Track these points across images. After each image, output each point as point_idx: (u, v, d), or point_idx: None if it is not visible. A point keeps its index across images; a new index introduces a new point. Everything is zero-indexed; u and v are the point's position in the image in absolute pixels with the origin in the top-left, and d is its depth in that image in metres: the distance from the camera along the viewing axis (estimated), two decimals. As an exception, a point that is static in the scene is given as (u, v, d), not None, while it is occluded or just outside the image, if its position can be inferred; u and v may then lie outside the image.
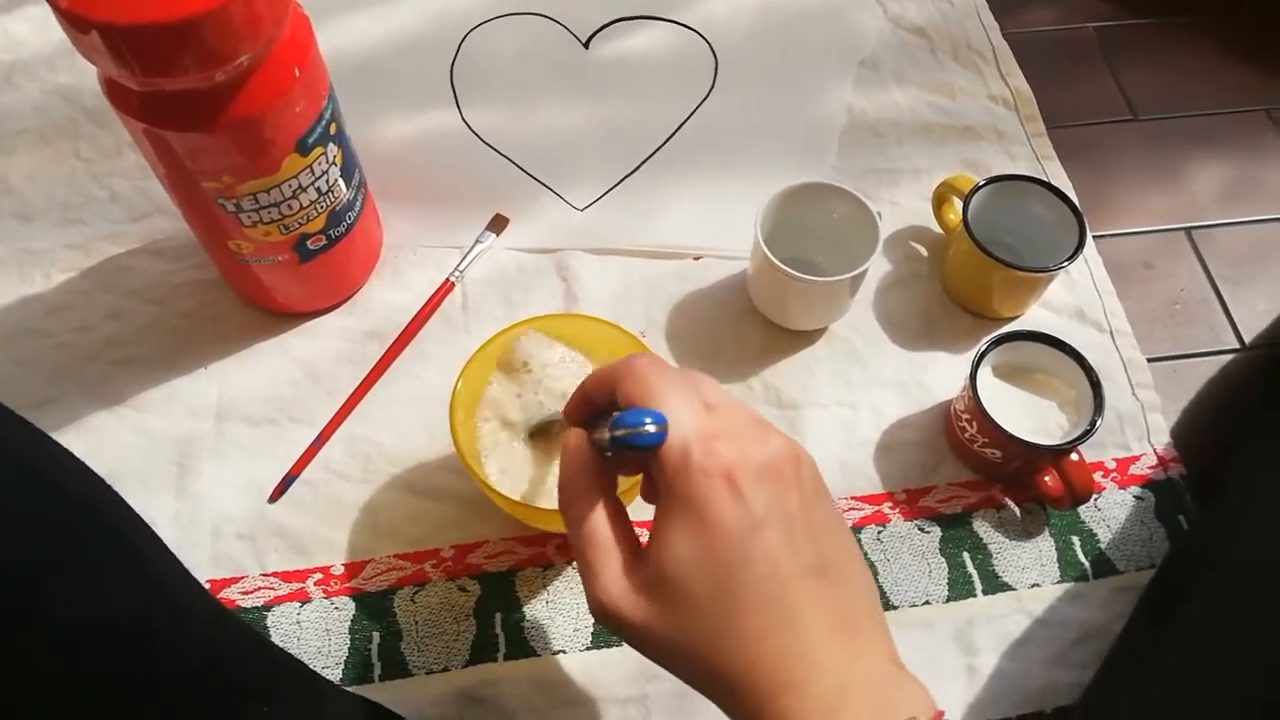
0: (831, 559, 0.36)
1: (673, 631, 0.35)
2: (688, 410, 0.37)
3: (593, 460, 0.40)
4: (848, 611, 0.36)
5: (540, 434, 0.59)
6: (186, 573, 0.45)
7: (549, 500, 0.59)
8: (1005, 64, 0.87)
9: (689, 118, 0.82)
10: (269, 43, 0.53)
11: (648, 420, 0.36)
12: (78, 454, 0.41)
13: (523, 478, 0.60)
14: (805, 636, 0.35)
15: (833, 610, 0.36)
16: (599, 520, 0.38)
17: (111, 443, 0.65)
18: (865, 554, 0.63)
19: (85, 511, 0.39)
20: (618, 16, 0.88)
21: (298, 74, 0.55)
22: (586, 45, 0.86)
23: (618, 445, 0.37)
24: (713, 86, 0.84)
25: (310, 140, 0.58)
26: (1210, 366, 0.72)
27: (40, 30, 0.85)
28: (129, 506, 0.42)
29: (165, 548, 0.44)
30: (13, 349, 0.68)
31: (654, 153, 0.80)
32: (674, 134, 0.81)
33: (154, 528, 0.43)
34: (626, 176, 0.79)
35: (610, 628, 0.37)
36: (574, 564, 0.62)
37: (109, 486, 0.41)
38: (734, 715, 0.36)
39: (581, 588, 0.60)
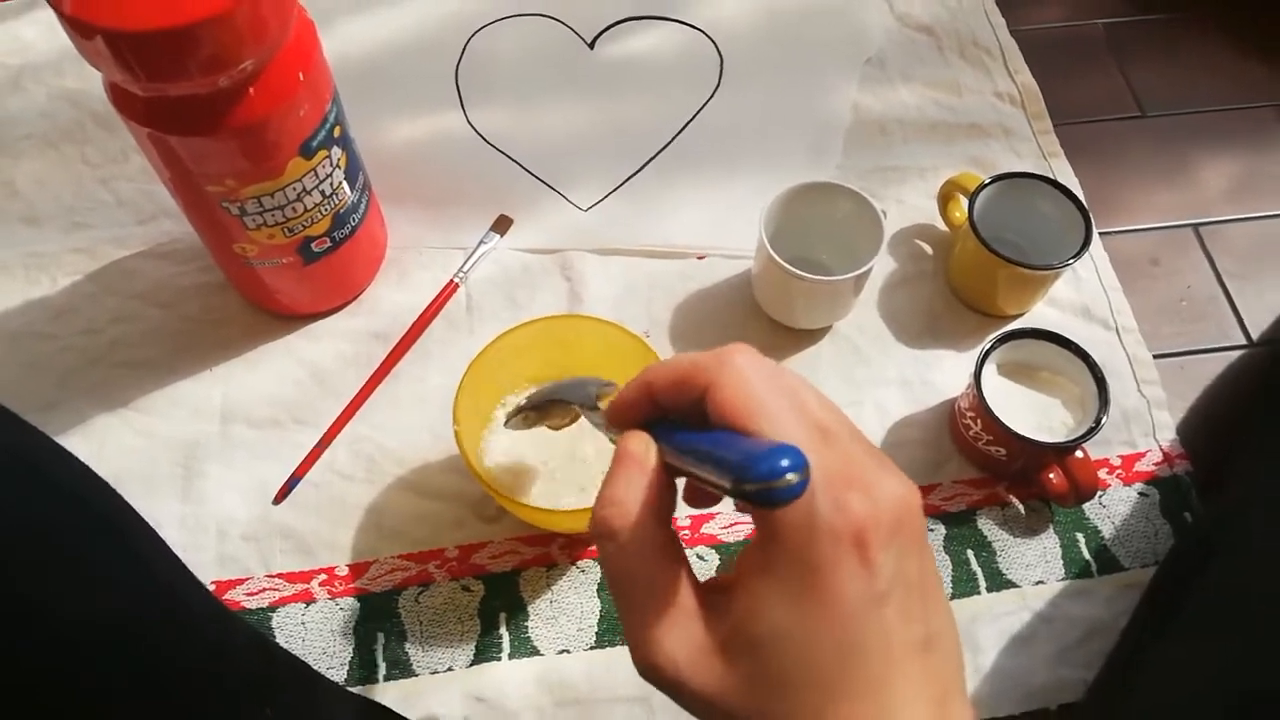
0: (935, 628, 0.31)
1: (747, 706, 0.29)
2: (808, 440, 0.29)
3: (661, 483, 0.31)
4: (945, 688, 0.31)
5: (534, 418, 0.53)
6: (189, 573, 0.45)
7: (550, 499, 0.60)
8: (1012, 61, 0.86)
9: (694, 117, 0.82)
10: (273, 47, 0.53)
11: (785, 465, 0.26)
12: (83, 457, 0.41)
13: (526, 477, 0.60)
14: None
15: (933, 691, 0.30)
16: (657, 557, 0.30)
17: (117, 445, 0.65)
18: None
19: (84, 511, 0.39)
20: (623, 17, 0.88)
21: (302, 78, 0.55)
22: (591, 45, 0.86)
23: (742, 497, 0.27)
24: (718, 86, 0.84)
25: (314, 144, 0.58)
26: (1217, 363, 0.72)
27: (47, 34, 0.85)
28: (130, 507, 0.43)
29: (167, 548, 0.44)
30: (19, 352, 0.69)
31: (658, 152, 0.80)
32: (678, 134, 0.81)
33: (159, 530, 0.43)
34: (631, 176, 0.79)
35: (662, 687, 0.30)
36: (578, 563, 0.62)
37: (110, 487, 0.41)
38: None
39: (585, 587, 0.60)
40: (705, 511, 0.64)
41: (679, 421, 0.32)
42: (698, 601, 0.30)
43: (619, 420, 0.34)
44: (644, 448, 0.32)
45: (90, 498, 0.40)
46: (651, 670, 0.30)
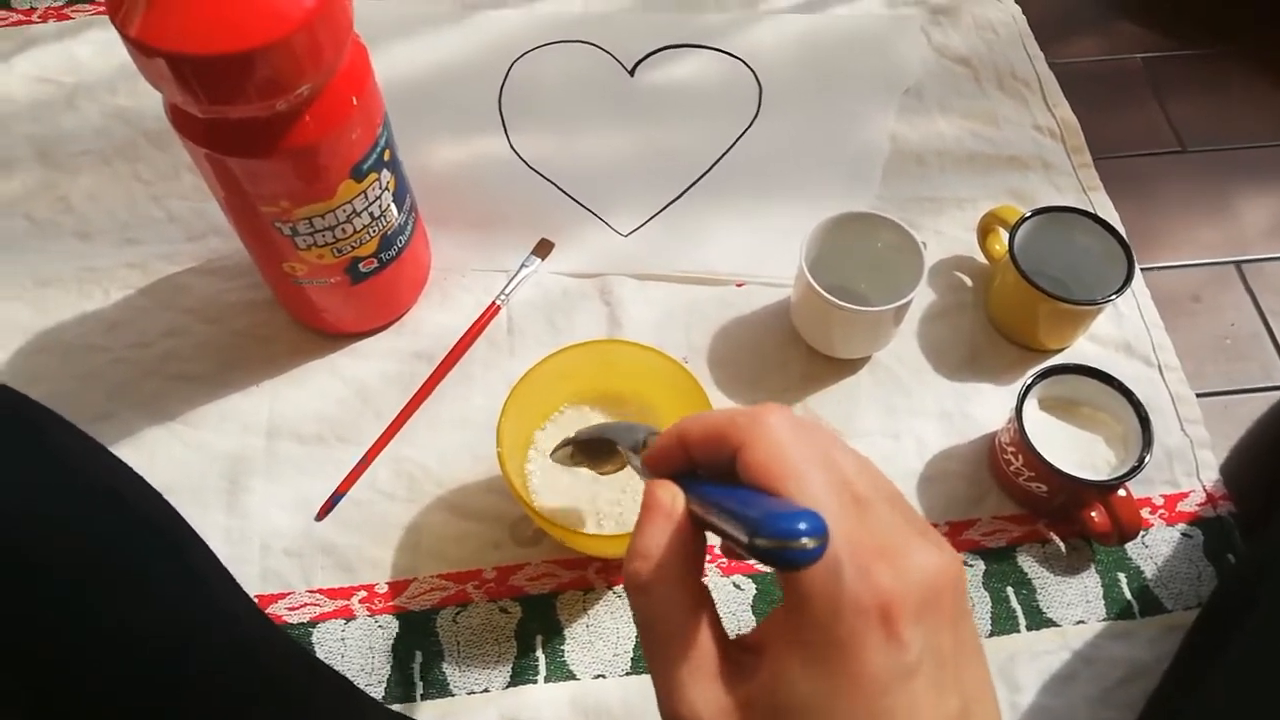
0: (972, 699, 0.30)
1: None
2: (837, 507, 0.29)
3: (688, 533, 0.31)
4: None
5: (579, 457, 0.54)
6: (236, 587, 0.46)
7: (591, 524, 0.60)
8: (1051, 94, 0.87)
9: (733, 145, 0.83)
10: (329, 73, 0.54)
11: (803, 528, 0.26)
12: (132, 468, 0.42)
13: (566, 502, 0.61)
14: None
15: None
16: (686, 610, 0.30)
17: (165, 458, 0.66)
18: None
19: (152, 533, 0.41)
20: (663, 45, 0.89)
21: (355, 102, 0.56)
22: (632, 73, 0.87)
23: (757, 554, 0.27)
24: (757, 114, 0.85)
25: (365, 166, 0.59)
26: (1262, 402, 0.71)
27: (102, 53, 0.87)
28: (183, 520, 0.44)
29: (218, 562, 0.46)
30: (72, 364, 0.70)
31: (698, 180, 0.81)
32: (718, 161, 0.82)
33: (204, 541, 0.45)
34: (671, 203, 0.79)
35: None
36: (615, 588, 0.62)
37: (173, 509, 0.43)
38: None
39: (621, 611, 0.61)
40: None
41: (709, 476, 0.32)
42: (724, 658, 0.30)
43: (654, 468, 0.34)
44: (670, 497, 0.31)
45: (156, 520, 0.42)
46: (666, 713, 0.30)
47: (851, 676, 0.28)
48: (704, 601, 0.31)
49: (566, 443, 0.53)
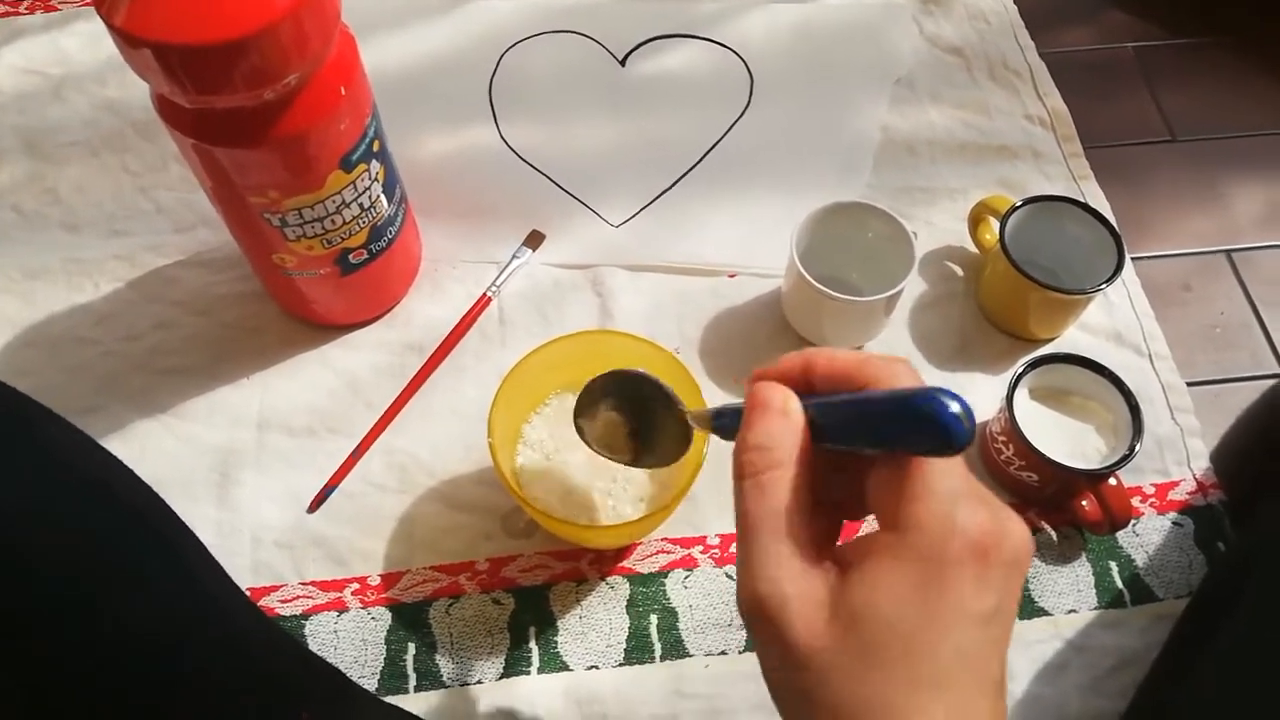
0: (1005, 674, 0.31)
1: (837, 663, 0.29)
2: (955, 463, 0.31)
3: (802, 431, 0.32)
4: None
5: (595, 431, 0.52)
6: (229, 580, 0.46)
7: (584, 515, 0.60)
8: (1042, 83, 0.87)
9: (724, 135, 0.83)
10: (316, 62, 0.54)
11: (957, 407, 0.28)
12: (124, 462, 0.42)
13: (558, 493, 0.61)
14: None
15: None
16: (792, 501, 0.31)
17: (155, 451, 0.66)
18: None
19: (143, 526, 0.41)
20: (654, 35, 0.89)
21: (343, 92, 0.56)
22: (623, 63, 0.87)
23: (905, 428, 0.29)
24: (748, 104, 0.85)
25: (354, 157, 0.59)
26: (1252, 391, 0.71)
27: (89, 45, 0.87)
28: (174, 513, 0.44)
29: (209, 555, 0.45)
30: (61, 357, 0.70)
31: (689, 170, 0.81)
32: (709, 151, 0.82)
33: (196, 535, 0.44)
34: (662, 193, 0.79)
35: (757, 620, 0.31)
36: (608, 579, 0.62)
37: (164, 503, 0.43)
38: None
39: (614, 603, 0.61)
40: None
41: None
42: (819, 556, 0.31)
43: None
44: (782, 397, 0.33)
45: (146, 513, 0.42)
46: (756, 601, 0.31)
47: (941, 604, 0.29)
48: (807, 503, 0.32)
49: (594, 396, 0.51)
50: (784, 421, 0.32)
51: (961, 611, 0.29)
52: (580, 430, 0.52)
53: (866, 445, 0.32)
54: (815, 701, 0.30)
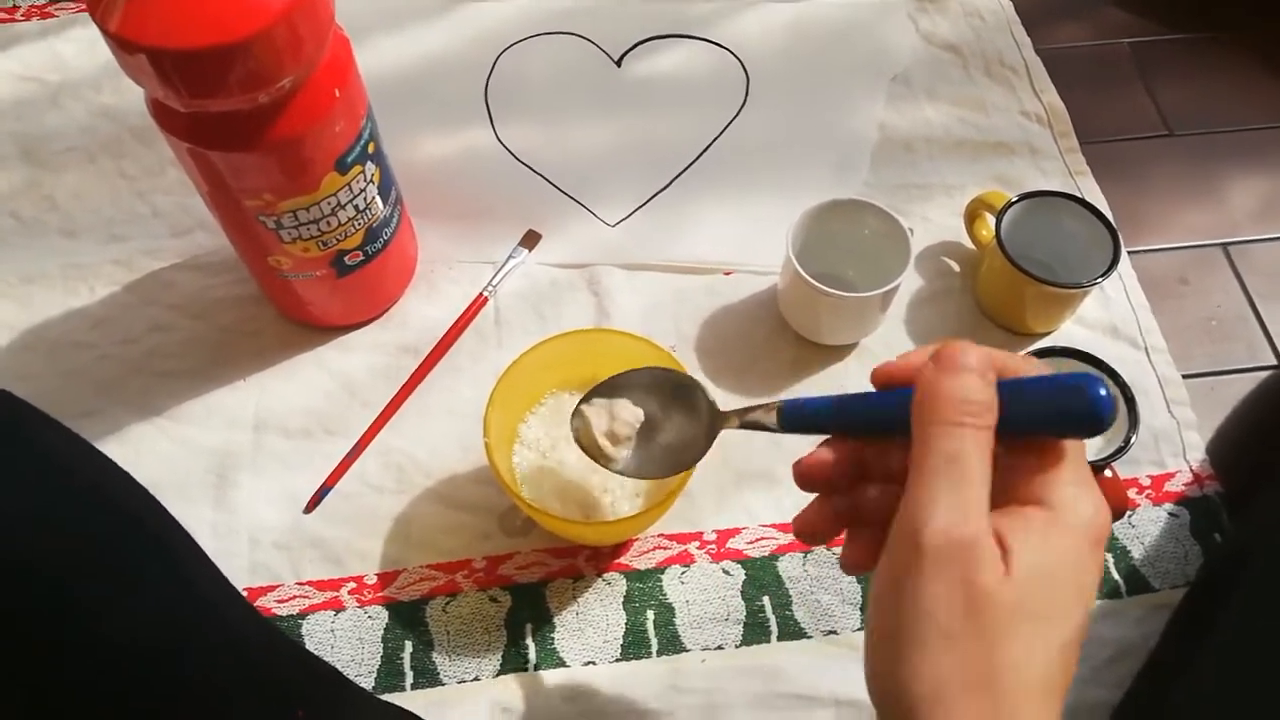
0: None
1: (1011, 613, 0.31)
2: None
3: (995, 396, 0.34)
4: None
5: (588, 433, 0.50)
6: (225, 581, 0.46)
7: (579, 512, 0.60)
8: (1038, 79, 0.87)
9: (720, 134, 0.83)
10: (310, 65, 0.54)
11: (1103, 388, 0.32)
12: (120, 465, 0.42)
13: (555, 490, 0.61)
14: None
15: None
16: (987, 453, 0.33)
17: (152, 453, 0.66)
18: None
19: (138, 530, 0.41)
20: (650, 35, 0.89)
21: (338, 95, 0.56)
22: (619, 63, 0.87)
23: (1065, 392, 0.32)
24: (744, 103, 0.85)
25: (349, 159, 0.59)
26: (1247, 383, 0.71)
27: (86, 51, 0.87)
28: (177, 523, 0.44)
29: (205, 557, 0.45)
30: (58, 361, 0.70)
31: (685, 169, 0.81)
32: (705, 150, 0.82)
33: (193, 537, 0.45)
34: (658, 193, 0.79)
35: (952, 563, 0.31)
36: (604, 575, 0.62)
37: (160, 505, 0.43)
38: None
39: (611, 599, 0.61)
40: (732, 527, 0.64)
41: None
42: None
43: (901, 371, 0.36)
44: (986, 363, 0.34)
45: (144, 516, 0.42)
46: (956, 541, 0.31)
47: (1086, 578, 0.33)
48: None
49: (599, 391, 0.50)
50: (989, 387, 0.33)
51: (1094, 587, 0.33)
52: (581, 417, 0.50)
53: (1017, 428, 0.33)
54: (988, 641, 0.31)
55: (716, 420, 0.45)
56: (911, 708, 0.31)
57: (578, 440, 0.50)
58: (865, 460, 0.38)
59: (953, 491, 0.32)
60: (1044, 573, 0.31)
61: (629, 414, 0.49)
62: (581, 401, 0.50)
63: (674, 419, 0.48)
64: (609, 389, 0.50)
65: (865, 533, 0.37)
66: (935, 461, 0.32)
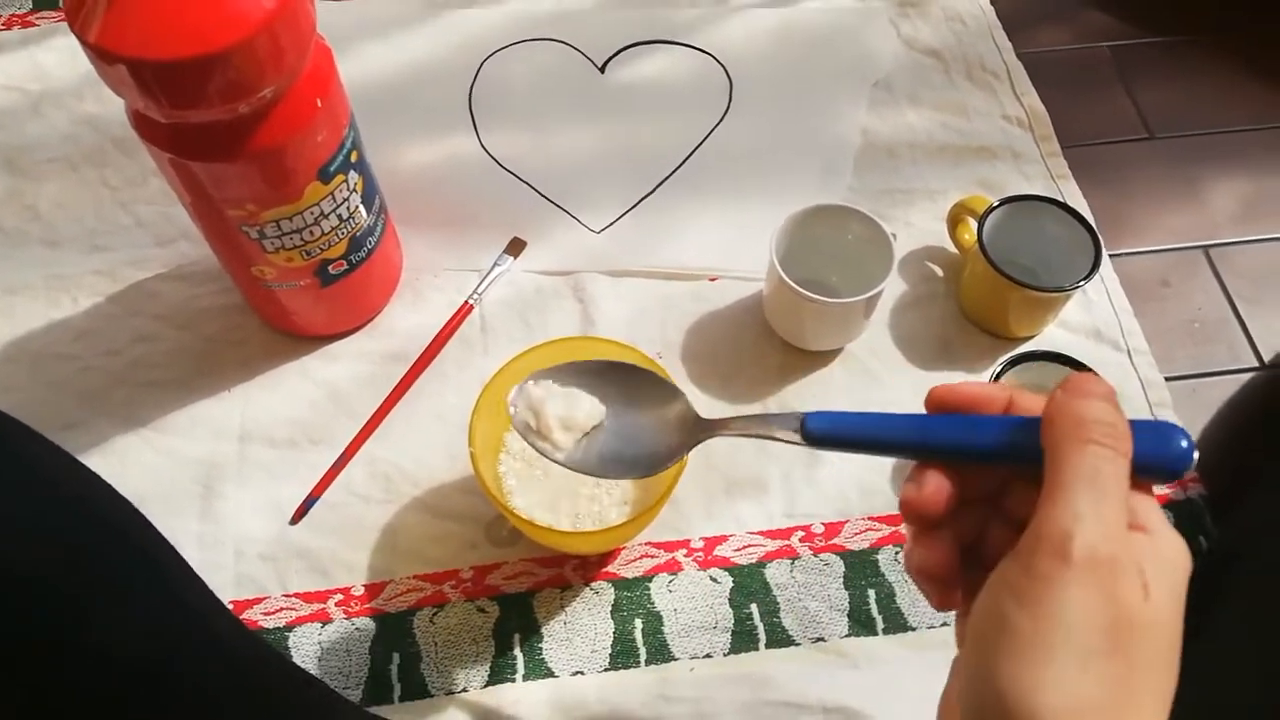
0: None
1: (1151, 630, 0.31)
2: None
3: None
4: None
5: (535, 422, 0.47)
6: (210, 594, 0.46)
7: (568, 521, 0.60)
8: (1019, 84, 0.87)
9: (704, 140, 0.83)
10: (292, 75, 0.54)
11: (1184, 443, 0.33)
12: (104, 476, 0.42)
13: (542, 500, 0.61)
14: None
15: None
16: (1125, 475, 0.33)
17: (137, 465, 0.66)
18: (883, 576, 0.63)
19: (124, 543, 0.41)
20: (633, 41, 0.89)
21: (319, 104, 0.56)
22: (602, 70, 0.87)
23: (1152, 460, 0.33)
24: (728, 109, 0.85)
25: (332, 168, 0.59)
26: (1229, 386, 0.72)
27: (68, 60, 0.87)
28: (163, 537, 0.44)
29: (190, 570, 0.45)
30: (42, 372, 0.69)
31: (670, 175, 0.81)
32: (689, 157, 0.82)
33: (178, 549, 0.44)
34: (642, 199, 0.80)
35: (1099, 576, 0.31)
36: (592, 584, 0.62)
37: (145, 518, 0.43)
38: None
39: (599, 608, 0.61)
40: (720, 534, 0.64)
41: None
42: None
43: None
44: (1113, 391, 0.34)
45: (127, 527, 0.42)
46: (1101, 557, 0.31)
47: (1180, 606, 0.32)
48: None
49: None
50: (1121, 414, 0.33)
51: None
52: (527, 397, 0.47)
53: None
54: (1129, 663, 0.30)
55: (697, 429, 0.44)
56: (1035, 717, 0.30)
57: (518, 422, 0.47)
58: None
59: (1097, 505, 0.31)
60: (1176, 596, 0.31)
61: (590, 406, 0.47)
62: (530, 379, 0.47)
63: (640, 420, 0.46)
64: (564, 375, 0.47)
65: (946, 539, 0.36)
66: (1078, 477, 0.32)
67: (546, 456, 0.46)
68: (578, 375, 0.47)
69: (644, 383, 0.47)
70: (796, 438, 0.37)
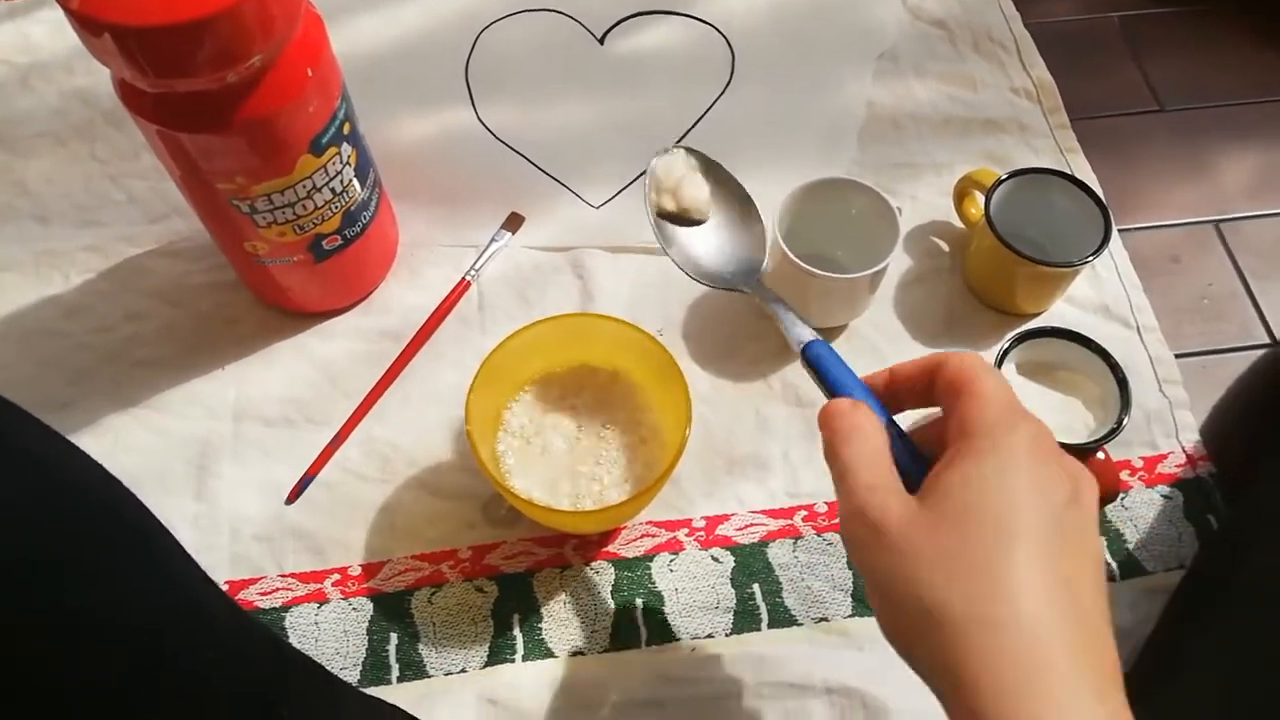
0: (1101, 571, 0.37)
1: (930, 540, 0.34)
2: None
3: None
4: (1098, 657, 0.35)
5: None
6: (204, 575, 0.45)
7: (567, 500, 0.59)
8: (1027, 55, 0.85)
9: (705, 113, 0.82)
10: (281, 43, 0.52)
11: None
12: (97, 456, 0.41)
13: (541, 479, 0.60)
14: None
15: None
16: (876, 444, 0.38)
17: (130, 444, 0.65)
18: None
19: (115, 522, 0.40)
20: (633, 11, 0.87)
21: (310, 74, 0.55)
22: (602, 41, 0.86)
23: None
24: (729, 81, 0.84)
25: (324, 140, 0.57)
26: (1240, 362, 0.71)
27: (56, 33, 0.85)
28: (148, 510, 0.43)
29: (183, 550, 0.45)
30: (32, 350, 0.68)
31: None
32: (690, 130, 0.81)
33: (173, 530, 0.44)
34: (643, 173, 0.78)
35: (861, 530, 0.35)
36: (592, 564, 0.61)
37: (135, 497, 0.42)
38: (933, 653, 0.34)
39: (599, 588, 0.60)
40: (721, 513, 0.63)
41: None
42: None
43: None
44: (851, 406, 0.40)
45: (120, 508, 0.41)
46: (858, 512, 0.36)
47: (1015, 481, 0.35)
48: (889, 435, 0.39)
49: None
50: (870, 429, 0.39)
51: (1036, 489, 0.34)
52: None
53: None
54: (919, 579, 0.33)
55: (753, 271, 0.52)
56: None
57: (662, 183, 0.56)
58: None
59: (852, 477, 0.37)
60: (957, 491, 0.34)
61: (700, 192, 0.56)
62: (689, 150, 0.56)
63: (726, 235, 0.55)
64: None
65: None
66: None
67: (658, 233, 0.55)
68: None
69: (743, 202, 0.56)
70: (796, 347, 0.45)
